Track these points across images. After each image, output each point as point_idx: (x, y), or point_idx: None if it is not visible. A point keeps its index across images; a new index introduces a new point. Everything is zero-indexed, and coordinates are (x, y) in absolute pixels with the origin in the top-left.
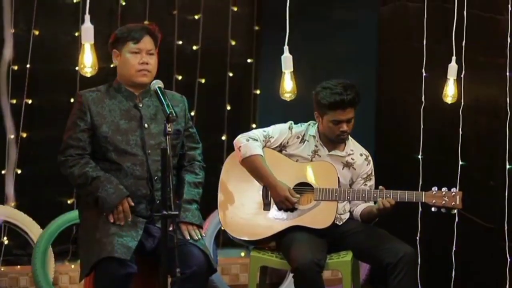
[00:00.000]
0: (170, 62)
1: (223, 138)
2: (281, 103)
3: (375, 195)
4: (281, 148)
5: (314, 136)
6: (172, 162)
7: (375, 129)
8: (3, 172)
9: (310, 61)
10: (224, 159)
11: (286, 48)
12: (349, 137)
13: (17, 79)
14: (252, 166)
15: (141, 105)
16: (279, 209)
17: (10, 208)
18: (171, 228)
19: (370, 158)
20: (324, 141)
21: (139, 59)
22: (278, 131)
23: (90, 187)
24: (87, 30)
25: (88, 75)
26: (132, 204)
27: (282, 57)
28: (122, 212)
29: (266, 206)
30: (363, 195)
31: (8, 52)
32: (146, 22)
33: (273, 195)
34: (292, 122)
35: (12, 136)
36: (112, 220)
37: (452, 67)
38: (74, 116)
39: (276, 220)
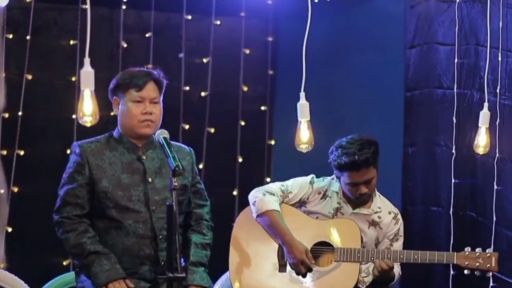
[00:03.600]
0: (176, 109)
1: (234, 193)
2: (298, 155)
3: (401, 256)
4: (300, 204)
5: (337, 193)
6: (178, 220)
7: (402, 184)
8: None
9: (329, 109)
10: (235, 216)
11: (302, 94)
12: (377, 192)
13: (8, 128)
14: (268, 223)
15: (144, 158)
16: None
17: None
18: None
19: (399, 216)
20: (348, 198)
21: (142, 108)
22: (298, 185)
23: (85, 260)
24: (87, 75)
25: (88, 124)
26: (132, 286)
27: (298, 104)
28: None
29: (282, 268)
30: (389, 256)
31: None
32: (149, 66)
33: (288, 256)
34: (314, 176)
35: (2, 191)
36: None
37: (484, 114)
38: (71, 169)
39: (292, 283)
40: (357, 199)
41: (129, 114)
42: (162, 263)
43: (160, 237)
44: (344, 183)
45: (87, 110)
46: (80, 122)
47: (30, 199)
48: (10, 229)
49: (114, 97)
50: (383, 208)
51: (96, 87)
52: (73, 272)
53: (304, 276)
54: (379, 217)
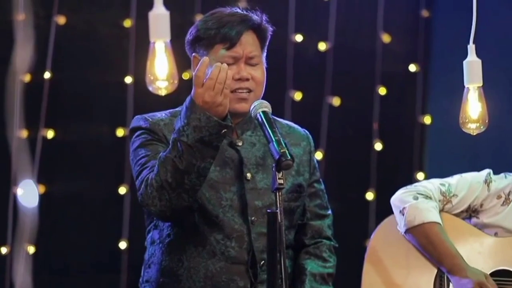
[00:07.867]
0: (281, 70)
1: (369, 197)
2: (465, 138)
3: None
4: (470, 213)
5: None
6: (288, 237)
7: None
8: (3, 251)
9: (510, 71)
10: (370, 232)
11: (471, 47)
12: None
13: (30, 98)
14: (424, 241)
15: (240, 143)
16: None
17: None
18: None
19: None
20: None
21: (235, 72)
22: (467, 185)
23: (184, 161)
24: (160, 19)
25: (163, 92)
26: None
27: (465, 62)
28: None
29: None
30: None
31: (22, 55)
32: (242, 5)
33: (458, 286)
34: (491, 172)
35: (22, 191)
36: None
37: None
38: (143, 147)
39: None
40: None
41: None
42: None
43: (262, 263)
44: None
45: (161, 71)
46: (150, 89)
47: (63, 203)
48: (32, 249)
49: (193, 54)
50: None
51: None
52: None
53: None
54: None
